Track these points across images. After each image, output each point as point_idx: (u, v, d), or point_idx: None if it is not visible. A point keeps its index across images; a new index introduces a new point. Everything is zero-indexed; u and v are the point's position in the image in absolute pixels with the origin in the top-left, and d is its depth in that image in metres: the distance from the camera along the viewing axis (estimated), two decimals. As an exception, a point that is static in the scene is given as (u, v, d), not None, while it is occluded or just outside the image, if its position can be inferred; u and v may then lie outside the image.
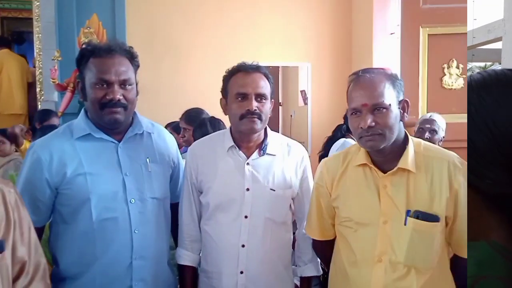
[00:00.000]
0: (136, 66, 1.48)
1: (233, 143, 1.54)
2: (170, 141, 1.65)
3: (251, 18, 4.57)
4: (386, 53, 4.28)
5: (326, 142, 2.74)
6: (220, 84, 4.88)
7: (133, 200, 1.44)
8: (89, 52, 1.42)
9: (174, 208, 1.63)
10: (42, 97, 4.16)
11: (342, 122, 2.81)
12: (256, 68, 1.51)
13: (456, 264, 1.38)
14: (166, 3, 4.42)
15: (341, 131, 2.78)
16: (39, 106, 4.12)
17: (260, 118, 1.48)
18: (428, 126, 2.52)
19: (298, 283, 1.78)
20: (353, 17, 4.75)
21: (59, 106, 3.95)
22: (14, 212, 1.12)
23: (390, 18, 4.22)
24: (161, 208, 1.54)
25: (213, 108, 4.20)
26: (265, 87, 1.50)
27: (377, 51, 4.30)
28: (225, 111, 1.57)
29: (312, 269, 1.62)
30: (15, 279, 1.12)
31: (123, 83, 1.41)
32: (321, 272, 1.65)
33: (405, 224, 1.30)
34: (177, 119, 2.89)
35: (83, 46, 3.94)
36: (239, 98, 1.48)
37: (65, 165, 1.39)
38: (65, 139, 1.43)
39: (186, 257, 1.59)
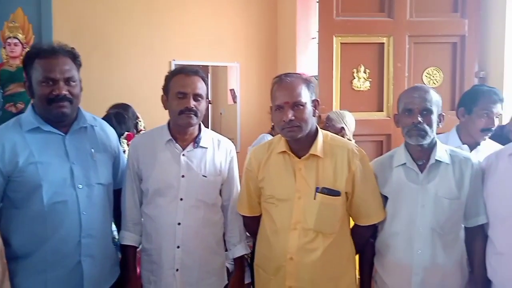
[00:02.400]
0: (78, 65, 1.64)
1: (170, 137, 1.78)
2: (111, 133, 1.82)
3: (180, 18, 4.67)
4: (308, 56, 4.65)
5: None
6: (150, 80, 4.95)
7: (80, 185, 1.61)
8: (34, 54, 1.58)
9: (115, 195, 1.80)
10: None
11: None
12: (196, 72, 1.76)
13: (355, 230, 1.74)
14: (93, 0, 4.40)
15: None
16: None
17: (196, 114, 1.73)
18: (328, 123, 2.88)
19: (230, 267, 2.04)
20: (279, 21, 5.04)
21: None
22: None
23: (311, 24, 4.62)
24: (106, 193, 1.72)
25: (142, 103, 4.32)
26: (202, 88, 1.75)
27: (300, 53, 4.65)
28: (165, 106, 1.80)
29: (241, 249, 1.89)
30: None
31: (68, 80, 1.57)
32: (249, 250, 1.92)
33: (314, 199, 1.62)
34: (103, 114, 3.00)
35: (10, 40, 3.84)
36: (179, 96, 1.72)
37: (17, 155, 1.52)
38: (15, 132, 1.57)
39: (129, 238, 1.79)
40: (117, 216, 1.83)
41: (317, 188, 1.62)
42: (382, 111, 3.22)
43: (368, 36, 3.20)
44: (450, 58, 3.26)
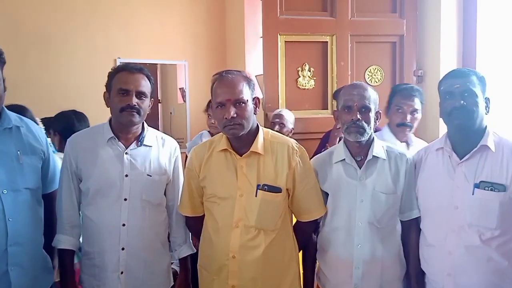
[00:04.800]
0: (2, 63, 1.53)
1: (112, 135, 1.71)
2: (39, 133, 1.72)
3: (126, 14, 4.51)
4: (257, 54, 4.65)
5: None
6: (94, 79, 4.77)
7: (5, 191, 1.50)
8: None
9: (44, 198, 1.70)
10: None
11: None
12: (139, 70, 1.71)
13: (297, 226, 1.75)
14: (32, -4, 4.20)
15: None
16: None
17: (138, 112, 1.67)
18: (277, 120, 2.91)
19: (177, 269, 1.99)
20: (227, 19, 5.00)
21: None
22: None
23: (259, 23, 4.61)
24: (34, 198, 1.62)
25: (85, 104, 4.14)
26: (145, 86, 1.70)
27: (249, 52, 4.61)
28: (107, 104, 1.73)
29: (186, 249, 1.86)
30: None
31: None
32: (195, 250, 1.88)
33: (256, 196, 1.61)
34: (46, 115, 2.84)
35: None
36: (121, 93, 1.66)
37: None
38: None
39: (66, 242, 1.70)
40: (47, 221, 1.71)
41: (258, 185, 1.62)
42: (326, 109, 3.27)
43: (312, 35, 3.24)
44: (390, 57, 3.37)
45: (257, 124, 1.70)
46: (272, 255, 1.62)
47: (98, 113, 3.71)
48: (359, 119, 1.64)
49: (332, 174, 1.72)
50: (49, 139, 1.87)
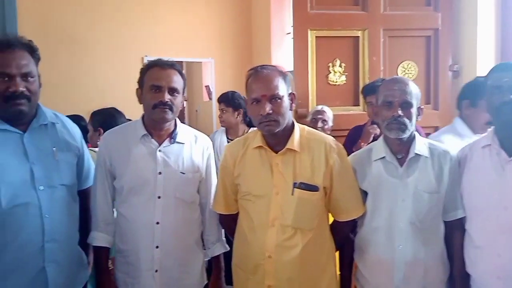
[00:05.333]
0: (37, 59, 1.53)
1: (145, 132, 1.69)
2: (74, 130, 1.72)
3: (152, 12, 4.55)
4: (283, 51, 4.62)
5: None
6: (122, 77, 4.83)
7: (41, 187, 1.50)
8: None
9: (79, 195, 1.70)
10: None
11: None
12: (171, 65, 1.68)
13: (334, 226, 1.69)
14: (61, -5, 4.25)
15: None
16: None
17: (171, 109, 1.65)
18: (320, 116, 2.87)
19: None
20: (253, 16, 4.97)
21: None
22: None
23: (286, 19, 4.58)
24: (70, 194, 1.62)
25: (114, 100, 4.17)
26: (178, 82, 1.67)
27: (275, 49, 4.61)
28: (140, 100, 1.71)
29: (219, 247, 1.83)
30: None
31: (25, 76, 1.46)
32: (228, 248, 1.85)
33: (292, 194, 1.56)
34: (74, 112, 2.87)
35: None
36: (154, 90, 1.63)
37: None
38: None
39: (101, 239, 1.69)
40: (82, 218, 1.71)
41: (294, 183, 1.57)
42: (358, 105, 3.19)
43: (343, 30, 3.17)
44: (424, 51, 3.26)
45: (293, 121, 1.65)
46: (309, 256, 1.57)
47: (126, 111, 3.75)
48: (400, 115, 1.57)
49: (371, 172, 1.65)
50: None
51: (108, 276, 1.72)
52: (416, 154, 1.61)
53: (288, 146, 1.59)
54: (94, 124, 2.51)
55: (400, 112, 1.58)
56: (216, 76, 4.94)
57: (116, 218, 1.71)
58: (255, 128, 3.00)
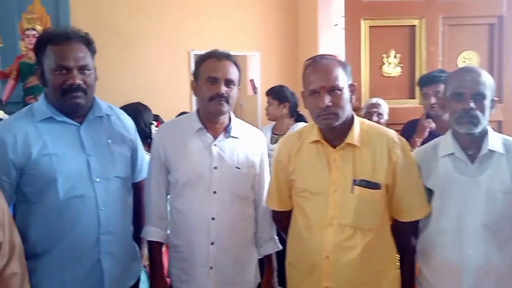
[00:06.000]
0: (93, 52, 1.53)
1: (201, 125, 1.65)
2: (128, 123, 1.71)
3: (198, 7, 4.57)
4: (330, 44, 4.48)
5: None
6: (168, 71, 4.88)
7: (97, 179, 1.50)
8: (46, 39, 1.46)
9: (133, 187, 1.69)
10: (-17, 85, 3.95)
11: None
12: (227, 56, 1.63)
13: (396, 226, 1.58)
14: (111, -10, 4.34)
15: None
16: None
17: (227, 101, 1.60)
18: (375, 110, 2.75)
19: None
20: (299, 8, 4.86)
21: (1, 94, 3.79)
22: None
23: (334, 10, 4.44)
24: (124, 187, 1.61)
25: (160, 94, 4.21)
26: (234, 73, 1.62)
27: (322, 41, 4.46)
28: (195, 93, 1.67)
29: (273, 245, 1.77)
30: None
31: (82, 69, 1.46)
32: (281, 247, 1.78)
33: (352, 192, 1.47)
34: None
35: (28, 31, 3.79)
36: (210, 82, 1.59)
37: (29, 146, 1.42)
38: (27, 121, 1.46)
39: (155, 233, 1.67)
40: (135, 210, 1.71)
41: (354, 180, 1.48)
42: (414, 98, 3.02)
43: (398, 19, 3.01)
44: (487, 40, 3.04)
45: (352, 114, 1.55)
46: (369, 257, 1.48)
47: (173, 105, 3.77)
48: (472, 108, 1.44)
49: (438, 170, 1.53)
50: None
51: (161, 271, 1.70)
52: (490, 150, 1.47)
53: (347, 140, 1.50)
54: None
55: (472, 104, 1.45)
56: (261, 70, 4.89)
57: (170, 213, 1.69)
58: (300, 123, 2.98)
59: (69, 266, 1.46)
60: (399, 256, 1.62)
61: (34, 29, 3.79)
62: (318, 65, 1.49)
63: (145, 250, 1.79)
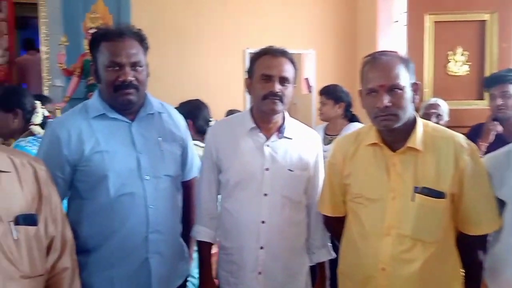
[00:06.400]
0: (145, 48, 1.52)
1: (254, 125, 1.60)
2: (179, 121, 1.69)
3: (254, 5, 4.56)
4: (390, 41, 4.30)
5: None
6: (224, 70, 4.93)
7: (147, 177, 1.49)
8: (100, 36, 1.48)
9: (182, 186, 1.68)
10: (49, 82, 4.18)
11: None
12: (283, 53, 1.56)
13: (462, 240, 1.43)
14: (170, -11, 4.43)
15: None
16: (45, 91, 4.13)
17: (281, 100, 1.54)
18: (433, 111, 2.58)
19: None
20: (358, 4, 4.73)
21: (65, 91, 3.98)
22: (45, 188, 1.16)
23: (394, 6, 4.24)
24: (174, 185, 1.60)
25: (216, 92, 4.24)
26: (289, 71, 1.55)
27: (382, 38, 4.29)
28: (249, 91, 1.63)
29: (325, 253, 1.69)
30: (46, 253, 1.15)
31: (134, 65, 1.46)
32: (334, 255, 1.69)
33: (412, 200, 1.35)
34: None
35: (91, 30, 3.96)
36: (264, 79, 1.53)
37: (83, 143, 1.44)
38: (81, 118, 1.49)
39: (205, 233, 1.64)
40: (184, 209, 1.69)
41: (415, 187, 1.36)
42: (482, 99, 2.80)
43: (466, 13, 2.80)
44: None
45: (415, 115, 1.43)
46: (431, 272, 1.35)
47: (227, 103, 3.77)
48: None
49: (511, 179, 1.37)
50: None
51: (210, 271, 1.67)
52: None
53: (409, 144, 1.38)
54: (184, 116, 2.50)
55: None
56: (317, 68, 4.79)
57: (220, 213, 1.66)
58: (355, 124, 2.86)
59: (118, 263, 1.47)
60: (464, 271, 1.48)
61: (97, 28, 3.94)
62: (377, 62, 1.39)
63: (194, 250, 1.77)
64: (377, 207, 1.40)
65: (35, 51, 4.96)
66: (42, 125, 2.06)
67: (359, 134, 1.52)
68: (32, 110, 2.09)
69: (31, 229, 1.09)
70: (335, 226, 1.60)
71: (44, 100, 3.59)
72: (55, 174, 1.41)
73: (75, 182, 1.48)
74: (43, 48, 4.20)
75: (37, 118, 2.09)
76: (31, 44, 5.24)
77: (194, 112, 2.43)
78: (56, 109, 3.46)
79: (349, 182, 1.49)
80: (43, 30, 4.17)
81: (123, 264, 1.47)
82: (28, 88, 4.92)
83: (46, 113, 2.18)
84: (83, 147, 1.44)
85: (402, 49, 3.25)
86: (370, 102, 1.39)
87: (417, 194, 1.35)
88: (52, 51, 4.10)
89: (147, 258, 1.50)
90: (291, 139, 1.61)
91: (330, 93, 2.85)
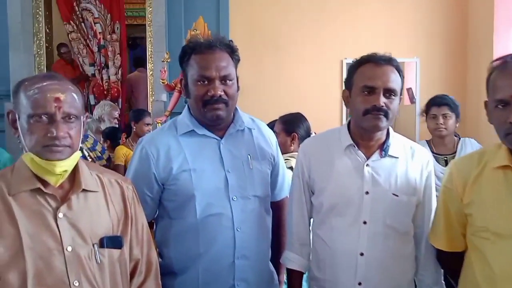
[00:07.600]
0: (236, 61, 1.45)
1: (351, 142, 1.41)
2: (270, 137, 1.59)
3: (353, 12, 4.43)
4: (509, 46, 3.83)
5: None
6: (320, 80, 4.79)
7: (235, 197, 1.41)
8: (190, 49, 1.42)
9: (272, 207, 1.57)
10: (153, 97, 4.41)
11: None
12: (388, 60, 1.35)
13: None
14: (268, 2, 4.46)
15: None
16: (150, 106, 4.37)
17: (386, 115, 1.32)
18: None
19: None
20: (469, 7, 4.37)
21: (167, 105, 4.17)
22: (131, 208, 1.13)
23: (517, 4, 3.79)
24: (263, 207, 1.49)
25: (312, 103, 4.12)
26: (396, 82, 1.34)
27: (499, 44, 3.92)
28: (347, 104, 1.44)
29: None
30: (129, 277, 1.13)
31: (224, 79, 1.38)
32: None
33: None
34: (277, 116, 2.85)
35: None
36: (366, 92, 1.34)
37: (171, 161, 1.40)
38: (170, 135, 1.44)
39: (295, 261, 1.49)
40: (274, 233, 1.57)
41: None
42: None
43: None
44: None
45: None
46: None
47: (323, 116, 3.62)
48: None
49: None
50: None
51: None
52: None
53: (552, 168, 1.10)
54: (287, 129, 2.38)
55: None
56: (421, 77, 4.48)
57: (313, 240, 1.49)
58: (471, 140, 2.49)
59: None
60: None
61: (197, 45, 4.08)
62: (509, 67, 1.15)
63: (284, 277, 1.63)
64: (509, 244, 1.14)
65: (143, 68, 5.33)
66: None
67: (484, 154, 1.26)
68: None
69: (116, 252, 1.06)
70: (451, 263, 1.35)
71: (142, 114, 3.81)
72: (144, 192, 1.39)
73: (164, 201, 1.44)
74: (149, 65, 4.46)
75: None
76: (140, 62, 5.65)
77: (297, 122, 2.34)
78: (157, 122, 3.63)
79: (470, 212, 1.23)
80: (149, 49, 4.43)
81: None
82: (136, 103, 5.28)
83: None
84: (171, 165, 1.39)
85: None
86: (500, 116, 1.14)
87: None
88: (156, 68, 4.33)
89: (233, 285, 1.40)
90: (397, 158, 1.39)
91: (454, 105, 2.50)
